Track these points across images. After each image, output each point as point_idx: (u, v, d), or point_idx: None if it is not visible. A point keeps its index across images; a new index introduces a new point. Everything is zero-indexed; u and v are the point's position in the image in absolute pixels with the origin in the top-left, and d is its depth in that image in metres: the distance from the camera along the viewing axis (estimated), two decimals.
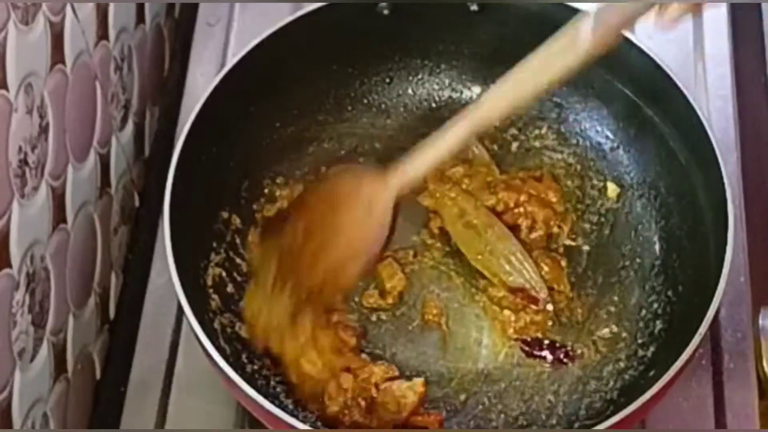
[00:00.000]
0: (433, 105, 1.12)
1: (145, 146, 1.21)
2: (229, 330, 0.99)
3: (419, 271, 1.05)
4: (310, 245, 0.96)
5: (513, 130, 1.11)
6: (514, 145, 1.11)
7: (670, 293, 1.00)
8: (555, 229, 1.06)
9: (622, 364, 0.99)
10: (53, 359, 0.97)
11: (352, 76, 1.11)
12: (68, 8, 0.97)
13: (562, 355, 1.00)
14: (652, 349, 0.98)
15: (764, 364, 1.01)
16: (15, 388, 0.90)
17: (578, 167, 1.09)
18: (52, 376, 0.97)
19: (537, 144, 1.11)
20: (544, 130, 1.11)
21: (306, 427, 0.87)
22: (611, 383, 0.98)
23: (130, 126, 1.16)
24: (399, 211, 0.95)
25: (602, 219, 1.07)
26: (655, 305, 1.00)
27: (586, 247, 1.06)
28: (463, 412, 0.98)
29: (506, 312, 1.02)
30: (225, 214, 1.04)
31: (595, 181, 1.08)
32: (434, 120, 1.11)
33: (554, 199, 1.07)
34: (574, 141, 1.10)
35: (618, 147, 1.08)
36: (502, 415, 0.98)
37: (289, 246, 0.97)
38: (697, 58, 1.17)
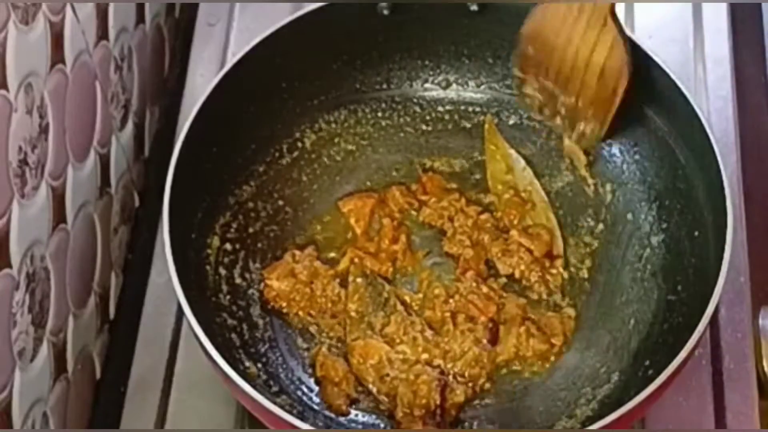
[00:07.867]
0: (434, 105, 1.12)
1: (145, 146, 1.21)
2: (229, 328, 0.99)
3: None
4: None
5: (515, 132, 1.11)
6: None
7: (669, 293, 1.00)
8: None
9: (621, 364, 0.99)
10: (53, 359, 0.97)
11: (352, 76, 1.10)
12: (68, 8, 0.97)
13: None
14: (651, 348, 0.98)
15: (764, 364, 1.01)
16: (15, 388, 0.90)
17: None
18: (52, 376, 0.97)
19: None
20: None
21: (307, 426, 0.87)
22: (610, 382, 0.98)
23: (130, 126, 1.16)
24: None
25: (601, 219, 1.07)
26: (655, 305, 1.00)
27: (584, 249, 1.06)
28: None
29: None
30: (227, 214, 1.05)
31: (594, 182, 1.08)
32: (435, 120, 1.12)
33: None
34: None
35: (617, 147, 1.07)
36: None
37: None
38: (697, 58, 1.18)
